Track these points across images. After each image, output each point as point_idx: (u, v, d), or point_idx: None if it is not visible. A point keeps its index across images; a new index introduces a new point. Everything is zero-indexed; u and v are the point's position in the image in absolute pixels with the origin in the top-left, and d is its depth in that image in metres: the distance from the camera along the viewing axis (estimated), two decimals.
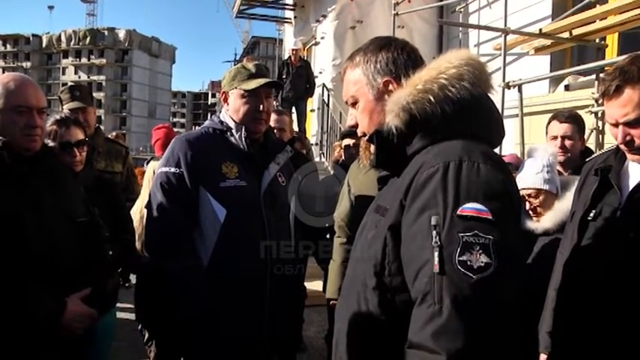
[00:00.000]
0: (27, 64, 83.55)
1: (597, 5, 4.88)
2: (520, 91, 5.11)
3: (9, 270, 1.57)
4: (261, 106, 2.09)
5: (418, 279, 1.02)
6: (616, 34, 5.02)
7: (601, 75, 3.93)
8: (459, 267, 0.97)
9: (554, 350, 1.72)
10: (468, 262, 0.97)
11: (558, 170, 2.37)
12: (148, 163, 3.68)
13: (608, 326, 1.47)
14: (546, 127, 2.79)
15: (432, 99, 1.13)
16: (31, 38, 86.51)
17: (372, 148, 1.24)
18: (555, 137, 2.69)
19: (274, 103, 6.65)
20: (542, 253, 2.06)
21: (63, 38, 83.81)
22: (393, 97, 1.18)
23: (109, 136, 4.98)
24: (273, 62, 25.85)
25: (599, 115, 4.32)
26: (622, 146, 1.51)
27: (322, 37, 9.37)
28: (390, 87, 1.23)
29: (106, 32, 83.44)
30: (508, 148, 4.84)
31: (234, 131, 2.11)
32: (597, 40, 5.15)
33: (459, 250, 0.98)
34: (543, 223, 2.12)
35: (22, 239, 1.61)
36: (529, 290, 1.17)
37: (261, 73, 2.12)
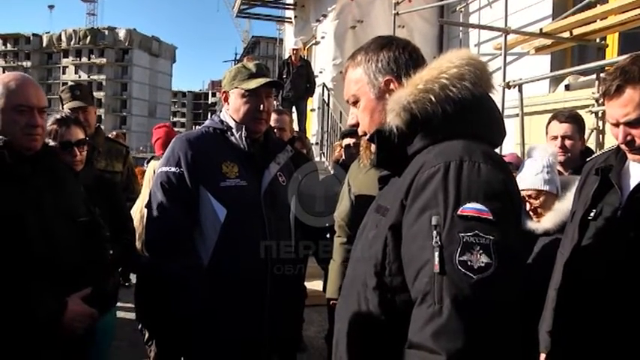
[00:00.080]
0: (27, 64, 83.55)
1: (598, 5, 4.88)
2: (520, 90, 5.11)
3: (10, 269, 1.57)
4: (262, 106, 2.09)
5: (418, 279, 1.02)
6: (616, 34, 5.01)
7: (602, 75, 3.94)
8: (460, 267, 0.97)
9: (555, 350, 1.72)
10: (469, 262, 0.97)
11: (558, 170, 2.36)
12: (148, 163, 3.68)
13: (608, 326, 1.47)
14: (546, 127, 2.79)
15: (433, 99, 1.12)
16: (31, 38, 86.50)
17: (373, 147, 1.23)
18: (555, 137, 2.69)
19: (275, 102, 6.64)
20: (543, 253, 2.05)
21: (63, 38, 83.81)
22: (394, 97, 1.18)
23: (110, 135, 4.98)
24: (273, 62, 25.87)
25: (600, 114, 4.32)
26: (623, 146, 1.51)
27: (322, 37, 9.37)
28: (392, 86, 1.23)
29: (107, 32, 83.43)
30: (508, 148, 4.84)
31: (234, 131, 2.11)
32: (598, 40, 5.15)
33: (459, 250, 0.98)
34: (544, 223, 2.12)
35: (24, 239, 1.61)
36: (529, 290, 1.17)
37: (262, 72, 2.12)
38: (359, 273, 1.19)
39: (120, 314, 2.87)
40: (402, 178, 1.17)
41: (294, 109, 8.35)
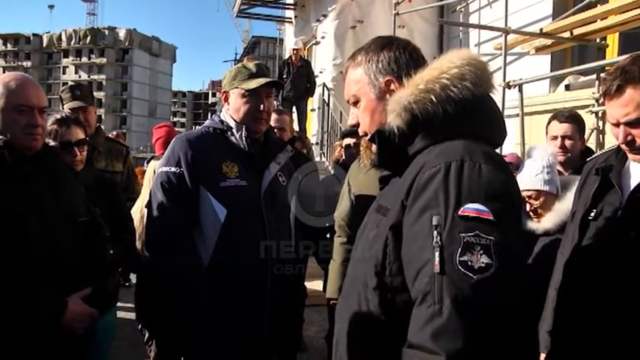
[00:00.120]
0: (27, 64, 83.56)
1: (598, 5, 4.88)
2: (520, 90, 5.11)
3: (10, 269, 1.57)
4: (262, 106, 2.09)
5: (418, 279, 1.02)
6: (617, 34, 5.01)
7: (602, 75, 3.94)
8: (460, 267, 0.97)
9: (555, 350, 1.72)
10: (469, 263, 0.97)
11: (558, 170, 2.36)
12: (148, 163, 3.68)
13: (608, 326, 1.47)
14: (546, 127, 2.79)
15: (433, 99, 1.12)
16: (31, 37, 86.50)
17: (374, 147, 1.23)
18: (555, 137, 2.69)
19: (275, 102, 6.65)
20: (543, 253, 2.05)
21: (63, 37, 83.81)
22: (394, 97, 1.18)
23: (110, 135, 4.98)
24: (273, 62, 25.86)
25: (600, 114, 4.32)
26: (623, 146, 1.51)
27: (323, 37, 9.37)
28: (392, 86, 1.23)
29: (107, 31, 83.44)
30: (508, 148, 4.83)
31: (234, 131, 2.11)
32: (598, 40, 5.15)
33: (459, 250, 0.98)
34: (544, 223, 2.12)
35: (24, 239, 1.61)
36: (529, 290, 1.17)
37: (262, 72, 2.12)
38: (359, 273, 1.19)
39: (120, 314, 2.86)
40: (402, 178, 1.17)
41: (294, 109, 8.35)
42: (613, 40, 5.11)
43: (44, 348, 1.64)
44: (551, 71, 5.41)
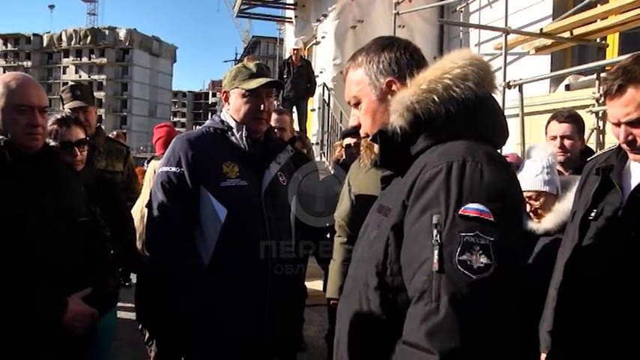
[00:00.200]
0: (28, 64, 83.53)
1: (598, 5, 4.88)
2: (521, 90, 5.11)
3: (11, 269, 1.57)
4: (262, 106, 2.09)
5: (416, 277, 1.02)
6: (617, 34, 5.01)
7: (602, 74, 3.94)
8: (459, 266, 0.97)
9: (555, 349, 1.72)
10: (468, 262, 0.97)
11: (558, 170, 2.36)
12: (148, 163, 3.68)
13: (608, 326, 1.47)
14: (546, 127, 2.79)
15: (436, 99, 1.12)
16: (31, 37, 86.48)
17: (376, 147, 1.23)
18: (555, 137, 2.69)
19: (275, 102, 6.65)
20: (543, 253, 2.06)
21: (64, 37, 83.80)
22: (397, 97, 1.18)
23: (110, 135, 4.98)
24: (273, 62, 25.86)
25: (600, 114, 4.32)
26: (624, 146, 1.51)
27: (323, 37, 9.37)
28: (393, 87, 1.23)
29: (107, 31, 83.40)
30: (508, 148, 4.83)
31: (235, 131, 2.11)
32: (598, 40, 5.15)
33: (459, 249, 0.98)
34: (544, 223, 2.12)
35: (24, 239, 1.61)
36: (530, 290, 1.17)
37: (262, 72, 2.12)
38: (360, 273, 1.19)
39: (120, 314, 2.86)
40: (404, 178, 1.16)
41: (294, 109, 8.35)
42: (613, 40, 5.11)
43: (44, 348, 1.64)
44: (552, 71, 5.41)
